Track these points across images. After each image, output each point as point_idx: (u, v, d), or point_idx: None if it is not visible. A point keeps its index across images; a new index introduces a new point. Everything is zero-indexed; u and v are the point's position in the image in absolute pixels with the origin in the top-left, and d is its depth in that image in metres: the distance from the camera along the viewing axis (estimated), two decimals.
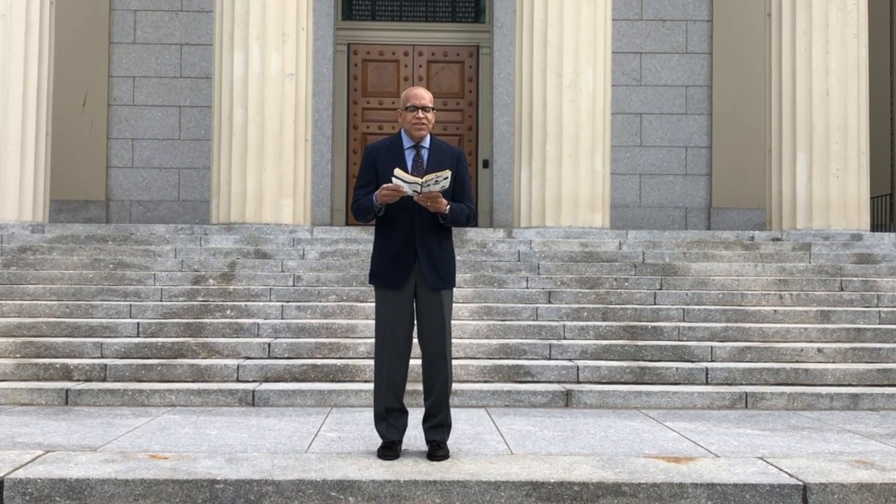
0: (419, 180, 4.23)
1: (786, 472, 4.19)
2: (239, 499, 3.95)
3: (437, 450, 4.44)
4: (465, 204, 4.52)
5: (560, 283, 8.03)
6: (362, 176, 4.55)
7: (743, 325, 7.33)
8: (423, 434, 4.59)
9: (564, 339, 7.12)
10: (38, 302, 7.48)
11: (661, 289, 8.03)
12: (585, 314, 7.47)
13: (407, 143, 4.54)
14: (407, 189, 4.26)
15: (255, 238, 8.83)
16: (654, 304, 7.75)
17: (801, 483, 4.03)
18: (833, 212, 9.31)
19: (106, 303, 7.45)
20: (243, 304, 7.47)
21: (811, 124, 9.39)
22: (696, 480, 4.04)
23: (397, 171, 4.28)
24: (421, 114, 4.46)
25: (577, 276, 8.11)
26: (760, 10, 11.63)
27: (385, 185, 4.31)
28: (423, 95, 4.49)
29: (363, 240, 8.90)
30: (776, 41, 9.67)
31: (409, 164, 4.50)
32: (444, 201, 4.35)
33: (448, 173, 4.24)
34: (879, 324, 7.54)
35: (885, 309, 7.68)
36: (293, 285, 7.94)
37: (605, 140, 9.39)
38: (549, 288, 7.96)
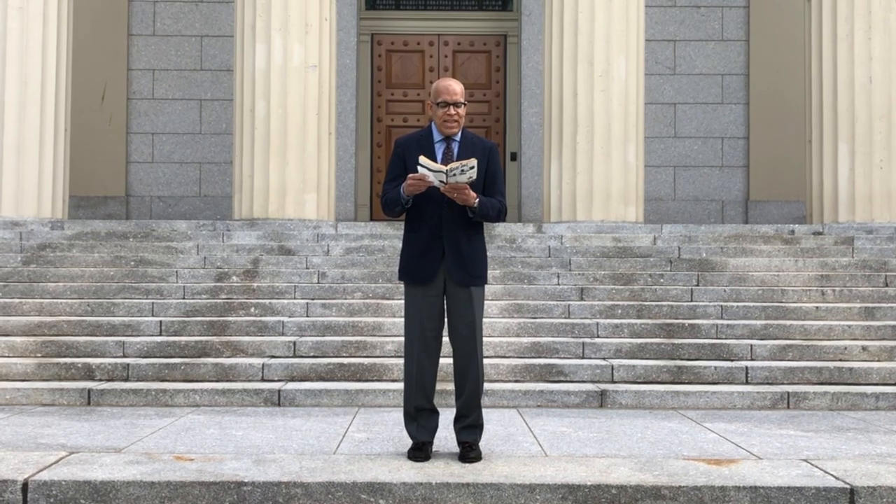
0: (444, 168, 4.17)
1: (832, 475, 4.12)
2: (267, 501, 3.93)
3: (469, 451, 4.38)
4: (497, 199, 4.43)
5: (592, 280, 7.89)
6: (391, 170, 4.49)
7: (784, 322, 7.18)
8: (454, 435, 4.52)
9: (598, 337, 7.01)
10: (59, 300, 7.45)
11: (697, 285, 7.88)
12: (619, 311, 7.33)
13: (437, 136, 4.47)
14: (433, 178, 4.20)
15: (279, 234, 8.77)
16: (691, 300, 7.61)
17: (848, 486, 3.96)
18: (877, 204, 9.10)
19: (128, 301, 7.41)
20: (267, 301, 7.41)
21: (853, 113, 9.17)
22: (738, 484, 3.97)
23: (422, 159, 4.22)
24: (452, 110, 4.38)
25: (611, 273, 7.97)
26: None
27: (411, 175, 4.25)
28: (456, 90, 4.40)
29: (388, 235, 8.82)
30: (816, 27, 9.46)
31: (439, 157, 4.42)
32: (473, 193, 4.27)
33: (474, 162, 4.16)
34: None
35: None
36: (318, 282, 7.86)
37: (639, 131, 9.22)
38: (581, 284, 7.81)
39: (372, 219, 12.11)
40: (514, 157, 12.48)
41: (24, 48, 9.04)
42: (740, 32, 12.32)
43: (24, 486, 3.92)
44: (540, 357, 6.70)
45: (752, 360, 6.67)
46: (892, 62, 9.15)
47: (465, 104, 4.43)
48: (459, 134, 4.46)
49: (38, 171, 9.04)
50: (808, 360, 6.66)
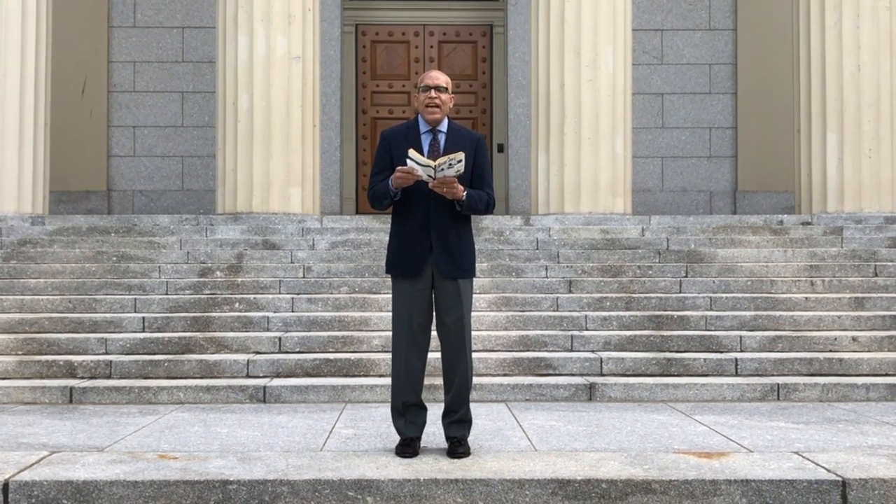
0: (432, 163, 4.14)
1: (823, 468, 4.10)
2: (253, 500, 3.88)
3: (457, 447, 4.35)
4: (485, 191, 4.41)
5: (581, 272, 7.84)
6: (378, 162, 4.45)
7: (773, 313, 7.15)
8: (442, 430, 4.49)
9: (586, 329, 6.97)
10: (40, 297, 7.35)
11: (686, 276, 7.84)
12: (608, 304, 7.29)
13: (423, 127, 4.43)
14: (421, 172, 4.17)
15: (263, 228, 8.69)
16: (680, 292, 7.57)
17: (839, 478, 3.94)
18: (865, 194, 9.06)
19: (110, 297, 7.33)
20: (252, 296, 7.34)
21: (842, 102, 9.13)
22: (729, 477, 3.96)
23: (411, 153, 4.19)
24: (434, 93, 4.34)
25: (599, 265, 7.93)
26: None
27: (399, 168, 4.21)
28: (438, 76, 4.39)
29: (374, 229, 8.75)
30: (804, 15, 9.40)
31: (426, 148, 4.39)
32: (461, 187, 4.24)
33: (462, 155, 4.13)
34: None
35: None
36: (303, 277, 7.79)
37: (626, 122, 9.16)
38: (569, 277, 7.77)
39: (358, 212, 12.02)
40: (500, 148, 12.40)
41: (2, 41, 8.88)
42: (728, 21, 12.26)
43: (5, 486, 3.86)
44: (528, 350, 6.66)
45: (741, 351, 6.64)
46: (880, 50, 9.10)
47: (448, 90, 4.38)
48: (446, 125, 4.42)
49: (17, 166, 8.91)
50: (798, 352, 6.63)
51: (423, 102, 4.35)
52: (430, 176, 4.16)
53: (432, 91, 4.32)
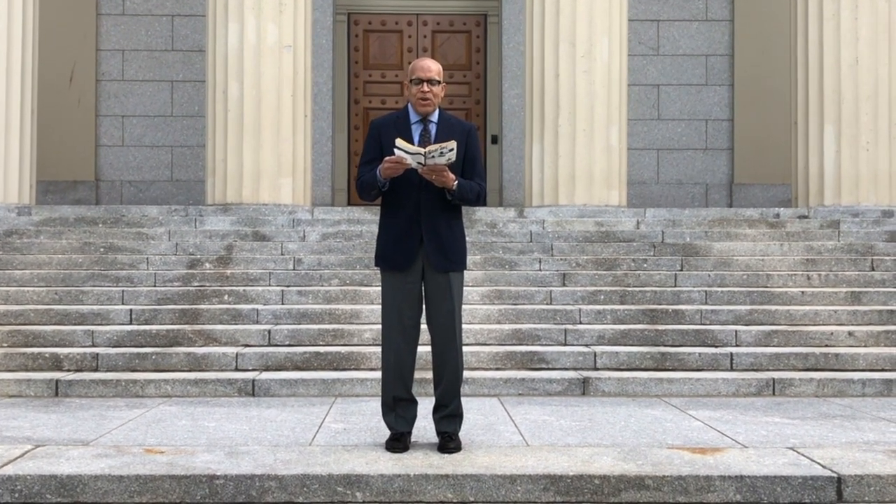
0: (422, 150, 4.07)
1: (818, 464, 4.07)
2: (240, 495, 3.83)
3: (448, 442, 4.30)
4: (476, 182, 4.34)
5: (575, 265, 7.79)
6: (367, 152, 4.37)
7: (769, 307, 7.10)
8: (433, 425, 4.44)
9: (580, 323, 6.91)
10: (25, 288, 7.27)
11: (681, 270, 7.79)
12: (602, 297, 7.24)
13: (414, 117, 4.37)
14: (410, 161, 4.09)
15: (253, 219, 8.63)
16: (675, 286, 7.53)
17: (835, 475, 3.90)
18: (863, 187, 9.04)
19: (97, 289, 7.26)
20: (241, 288, 7.27)
21: (839, 94, 9.09)
22: (723, 473, 3.92)
23: (398, 142, 4.11)
24: (426, 87, 4.27)
25: (593, 258, 7.88)
26: None
27: (388, 158, 4.14)
28: (431, 67, 4.30)
29: (366, 220, 8.70)
30: (802, 6, 9.36)
31: (416, 139, 4.32)
32: (452, 175, 4.17)
33: (453, 144, 4.07)
34: None
35: None
36: (294, 269, 7.72)
37: (622, 113, 9.11)
38: (563, 270, 7.71)
39: (349, 203, 11.96)
40: (494, 139, 12.34)
41: None
42: (725, 12, 12.20)
43: None
44: (521, 344, 6.61)
45: (736, 346, 6.60)
46: (878, 42, 9.07)
47: (440, 83, 4.32)
48: (437, 115, 4.36)
49: (3, 156, 8.83)
50: (793, 346, 6.59)
51: (415, 95, 4.28)
52: (419, 163, 4.09)
53: (425, 85, 4.25)
